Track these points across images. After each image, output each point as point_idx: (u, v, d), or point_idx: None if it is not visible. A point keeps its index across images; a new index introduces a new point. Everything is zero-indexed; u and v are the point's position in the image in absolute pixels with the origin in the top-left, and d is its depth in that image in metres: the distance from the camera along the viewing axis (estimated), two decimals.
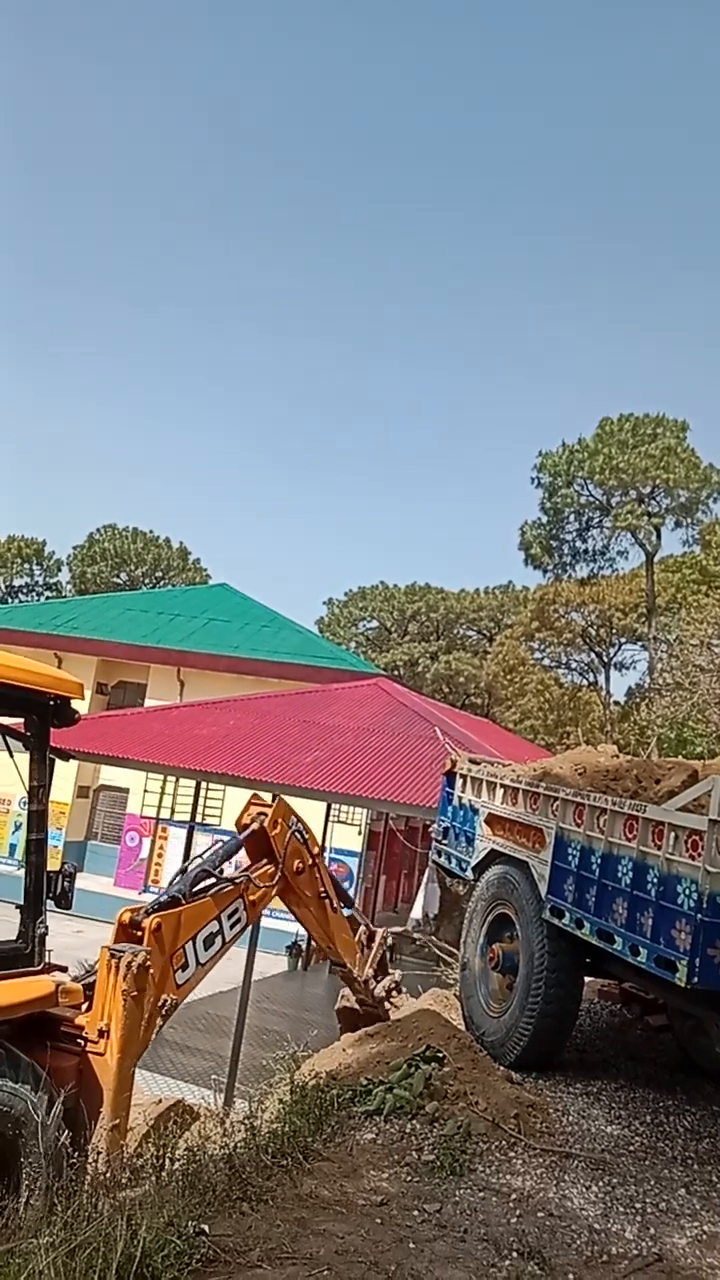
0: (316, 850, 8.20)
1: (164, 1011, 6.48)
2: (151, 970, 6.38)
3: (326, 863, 8.58)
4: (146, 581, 59.05)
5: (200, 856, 7.58)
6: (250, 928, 8.28)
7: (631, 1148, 5.21)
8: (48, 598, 57.24)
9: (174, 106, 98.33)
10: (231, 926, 7.19)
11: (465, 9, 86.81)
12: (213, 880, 7.18)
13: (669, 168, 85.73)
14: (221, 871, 7.30)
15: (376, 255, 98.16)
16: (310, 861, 8.02)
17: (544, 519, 43.09)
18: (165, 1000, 6.48)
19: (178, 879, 7.16)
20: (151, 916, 6.56)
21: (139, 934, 6.48)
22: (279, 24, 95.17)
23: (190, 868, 7.31)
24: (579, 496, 42.17)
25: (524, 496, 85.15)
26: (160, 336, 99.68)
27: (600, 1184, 4.68)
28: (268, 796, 8.47)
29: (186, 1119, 7.39)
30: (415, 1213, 4.24)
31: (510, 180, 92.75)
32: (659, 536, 41.43)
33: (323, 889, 8.09)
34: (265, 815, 7.73)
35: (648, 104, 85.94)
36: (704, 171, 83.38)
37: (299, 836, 7.92)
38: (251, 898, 7.43)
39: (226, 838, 7.91)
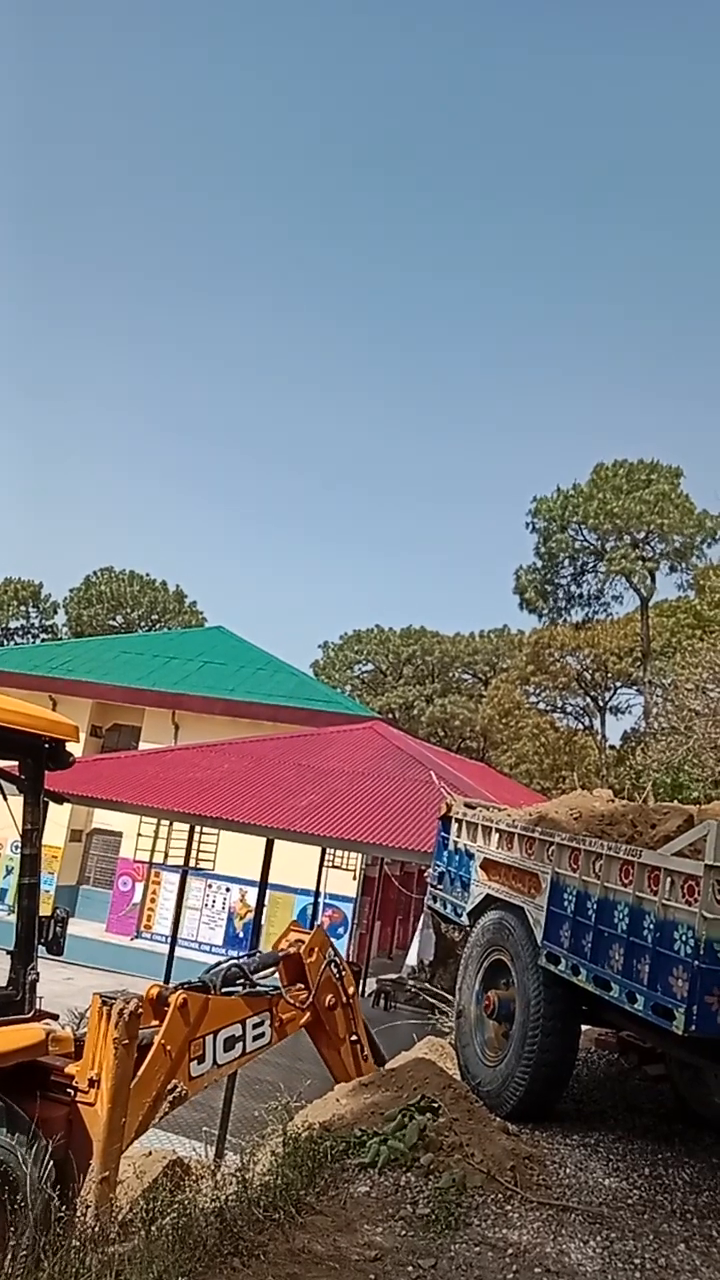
0: (352, 991, 8.09)
1: (171, 1097, 6.36)
2: (169, 1048, 6.32)
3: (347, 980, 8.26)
4: (143, 624, 59.14)
5: (237, 956, 7.54)
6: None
7: (630, 1201, 5.12)
8: (43, 640, 57.27)
9: (176, 134, 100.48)
10: (254, 1038, 7.07)
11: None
12: (244, 983, 7.15)
13: (663, 208, 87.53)
14: (257, 980, 7.26)
15: (374, 301, 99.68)
16: (344, 1000, 7.92)
17: (539, 563, 43.38)
18: (177, 1087, 6.37)
19: (211, 970, 7.14)
20: (179, 993, 6.53)
21: (165, 1010, 6.43)
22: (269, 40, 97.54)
23: (224, 965, 7.27)
24: (574, 541, 42.48)
25: (519, 541, 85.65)
26: (160, 383, 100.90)
27: (598, 1238, 4.60)
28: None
29: (178, 1173, 7.27)
30: (410, 1268, 4.16)
31: (505, 225, 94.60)
32: (653, 581, 41.68)
33: (354, 1034, 7.95)
34: (302, 942, 7.74)
35: (641, 151, 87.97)
36: (699, 204, 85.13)
37: (334, 971, 7.86)
38: (282, 1015, 7.36)
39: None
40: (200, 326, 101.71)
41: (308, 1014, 7.59)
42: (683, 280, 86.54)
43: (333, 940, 8.14)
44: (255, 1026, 7.07)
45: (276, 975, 7.68)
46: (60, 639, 55.55)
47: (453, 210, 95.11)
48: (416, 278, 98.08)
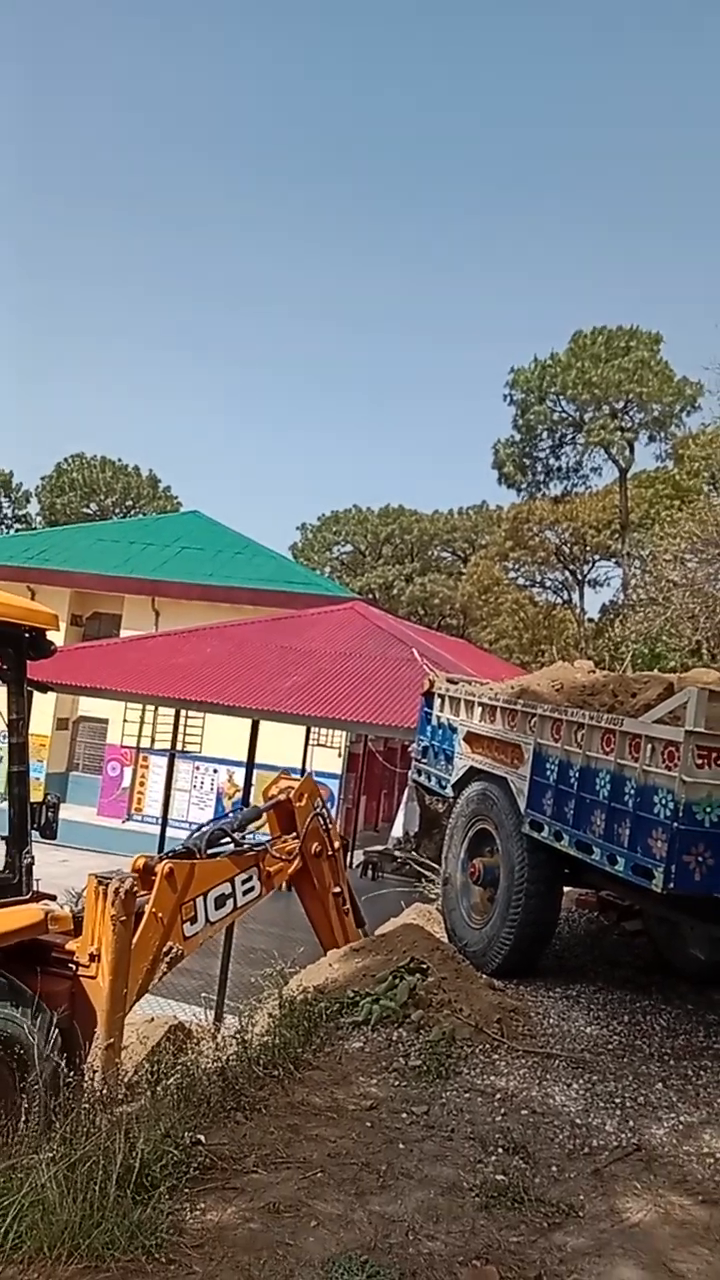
0: (338, 844, 8.24)
1: (168, 958, 6.60)
2: (160, 915, 6.51)
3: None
4: (117, 511, 58.26)
5: (220, 818, 7.67)
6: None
7: (610, 1046, 5.40)
8: (17, 530, 56.44)
9: (164, 86, 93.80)
10: (244, 893, 7.27)
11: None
12: (230, 843, 7.30)
13: (650, 89, 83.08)
14: (241, 837, 7.40)
15: (346, 170, 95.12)
16: (330, 852, 8.08)
17: (517, 436, 42.83)
18: (172, 948, 6.61)
19: (195, 834, 7.28)
20: (164, 862, 6.70)
21: (153, 879, 6.60)
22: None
23: (207, 827, 7.41)
24: (552, 413, 41.84)
25: (497, 414, 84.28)
26: (127, 258, 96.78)
27: (581, 1082, 4.86)
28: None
29: (180, 1036, 7.59)
30: (404, 1115, 4.39)
31: (488, 96, 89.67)
32: (632, 451, 41.32)
33: (338, 886, 8.11)
34: (292, 788, 7.87)
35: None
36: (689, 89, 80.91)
37: (321, 821, 8.00)
38: (269, 868, 7.54)
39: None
40: (172, 190, 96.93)
41: (296, 862, 7.82)
42: (667, 142, 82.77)
43: (320, 791, 8.29)
44: (244, 882, 7.31)
45: (265, 829, 7.86)
46: (34, 528, 54.72)
47: (435, 100, 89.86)
48: (393, 141, 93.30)
